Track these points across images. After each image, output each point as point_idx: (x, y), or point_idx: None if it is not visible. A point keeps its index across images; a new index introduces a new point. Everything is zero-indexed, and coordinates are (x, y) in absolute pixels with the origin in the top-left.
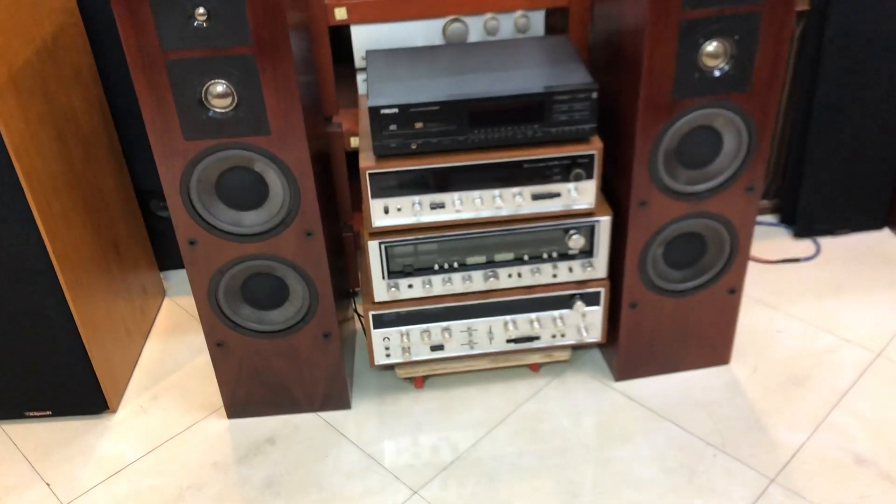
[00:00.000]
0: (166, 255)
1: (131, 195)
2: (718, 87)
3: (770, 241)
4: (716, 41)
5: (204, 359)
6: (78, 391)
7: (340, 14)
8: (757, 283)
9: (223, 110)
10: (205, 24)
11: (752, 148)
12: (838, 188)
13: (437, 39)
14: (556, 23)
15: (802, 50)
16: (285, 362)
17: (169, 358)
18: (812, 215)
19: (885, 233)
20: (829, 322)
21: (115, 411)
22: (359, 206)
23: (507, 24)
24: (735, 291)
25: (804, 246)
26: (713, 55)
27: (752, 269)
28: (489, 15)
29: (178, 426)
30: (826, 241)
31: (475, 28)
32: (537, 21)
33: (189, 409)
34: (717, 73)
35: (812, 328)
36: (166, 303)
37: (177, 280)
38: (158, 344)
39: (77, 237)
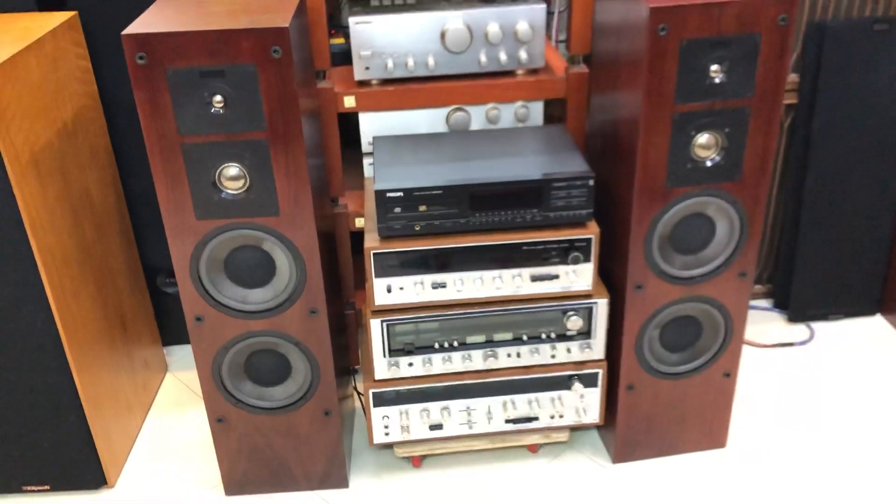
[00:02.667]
0: (170, 331)
1: (139, 272)
2: (710, 177)
3: (764, 325)
4: (707, 133)
5: (203, 435)
6: (77, 466)
7: (349, 102)
8: (752, 367)
9: (235, 192)
10: (221, 111)
11: (743, 235)
12: (831, 274)
13: (441, 127)
14: (554, 112)
15: (792, 140)
16: (285, 439)
17: (169, 433)
18: (805, 300)
19: (878, 318)
20: (821, 410)
21: (113, 486)
22: (361, 284)
23: (507, 114)
24: (730, 375)
25: (798, 331)
26: (705, 146)
27: (747, 352)
28: (491, 105)
29: (176, 503)
30: (819, 326)
31: (477, 117)
32: (536, 111)
33: (187, 485)
34: (708, 164)
35: (805, 416)
36: (168, 378)
37: (179, 355)
38: (159, 419)
39: (86, 313)
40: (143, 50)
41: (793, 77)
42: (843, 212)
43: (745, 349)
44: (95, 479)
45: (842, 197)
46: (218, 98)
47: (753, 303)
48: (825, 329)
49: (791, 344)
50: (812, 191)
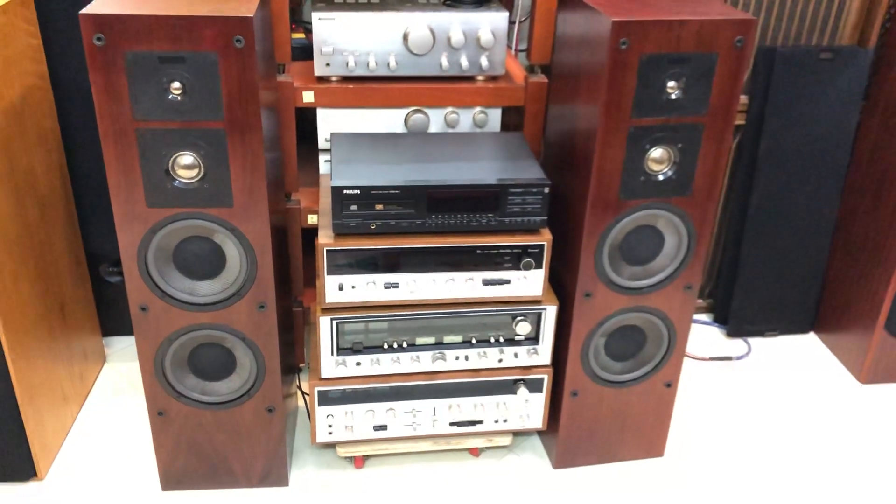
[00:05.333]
0: (110, 321)
1: (82, 259)
2: (662, 191)
3: (704, 339)
4: (661, 148)
5: (140, 428)
6: (5, 456)
7: (308, 97)
8: (691, 379)
9: (189, 181)
10: (179, 98)
11: (691, 249)
12: (769, 292)
13: (399, 128)
14: (512, 120)
15: (738, 160)
16: (226, 435)
17: (104, 426)
18: (744, 316)
19: (811, 336)
20: (755, 424)
21: (42, 479)
22: (310, 282)
23: (466, 119)
24: (671, 385)
25: (736, 345)
26: (658, 161)
27: (686, 365)
28: (450, 108)
29: (108, 498)
30: (756, 342)
31: (436, 120)
32: (494, 117)
33: (121, 479)
34: (661, 178)
35: (740, 429)
36: (106, 369)
37: (119, 347)
38: (95, 411)
39: (24, 298)
40: (101, 31)
41: (742, 98)
42: (783, 232)
43: (685, 361)
44: (24, 470)
45: (783, 218)
46: (176, 85)
47: (694, 317)
48: (762, 345)
49: (729, 358)
50: (755, 210)
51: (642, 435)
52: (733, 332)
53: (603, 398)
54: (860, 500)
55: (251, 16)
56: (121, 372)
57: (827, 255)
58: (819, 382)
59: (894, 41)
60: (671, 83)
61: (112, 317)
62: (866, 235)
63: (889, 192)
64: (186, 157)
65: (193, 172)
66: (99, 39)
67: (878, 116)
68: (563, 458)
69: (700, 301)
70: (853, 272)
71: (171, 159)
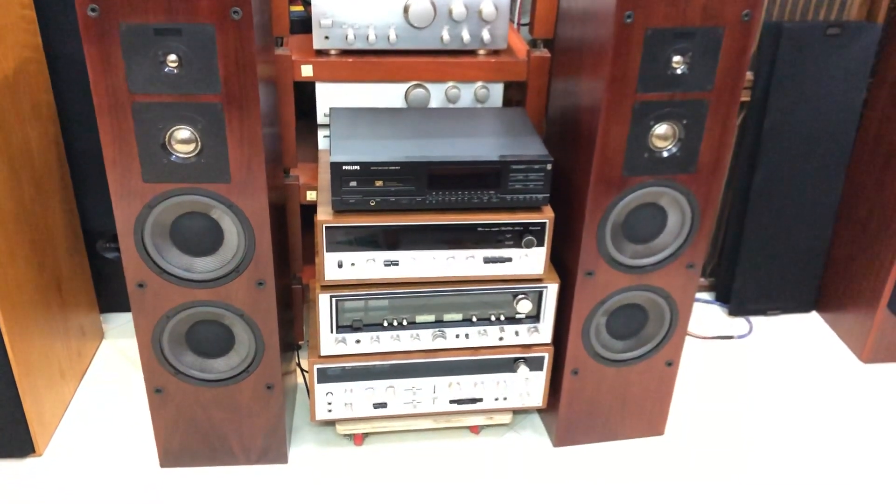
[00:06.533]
0: (107, 297)
1: (79, 234)
2: (666, 168)
3: (705, 317)
4: (666, 124)
5: (138, 405)
6: (4, 433)
7: (307, 71)
8: (692, 358)
9: (185, 156)
10: (175, 71)
11: (694, 227)
12: (772, 271)
13: (399, 103)
14: (514, 95)
15: (742, 137)
16: (225, 412)
17: (103, 402)
18: (746, 295)
19: (814, 315)
20: (756, 403)
21: (41, 455)
22: (309, 259)
23: (467, 94)
24: (672, 364)
25: (738, 324)
26: (662, 137)
27: (688, 343)
28: (451, 83)
29: (107, 474)
30: (758, 321)
31: (436, 95)
32: (496, 92)
33: (119, 455)
34: (665, 154)
35: (741, 408)
36: (104, 345)
37: (117, 323)
38: (93, 387)
39: (21, 274)
40: (96, 2)
41: (747, 75)
42: (786, 211)
43: (686, 340)
44: (22, 446)
45: (787, 196)
46: (172, 57)
47: (696, 295)
48: (764, 324)
49: (730, 337)
50: (759, 188)
51: (643, 413)
52: (735, 311)
53: (604, 377)
54: (861, 479)
55: None
56: (119, 348)
57: (830, 234)
58: (821, 362)
59: None
60: (677, 58)
61: (110, 293)
62: (870, 214)
63: (895, 171)
64: (183, 132)
65: (190, 147)
66: (93, 10)
67: (886, 93)
68: (563, 437)
69: (701, 280)
70: (856, 251)
71: (168, 133)
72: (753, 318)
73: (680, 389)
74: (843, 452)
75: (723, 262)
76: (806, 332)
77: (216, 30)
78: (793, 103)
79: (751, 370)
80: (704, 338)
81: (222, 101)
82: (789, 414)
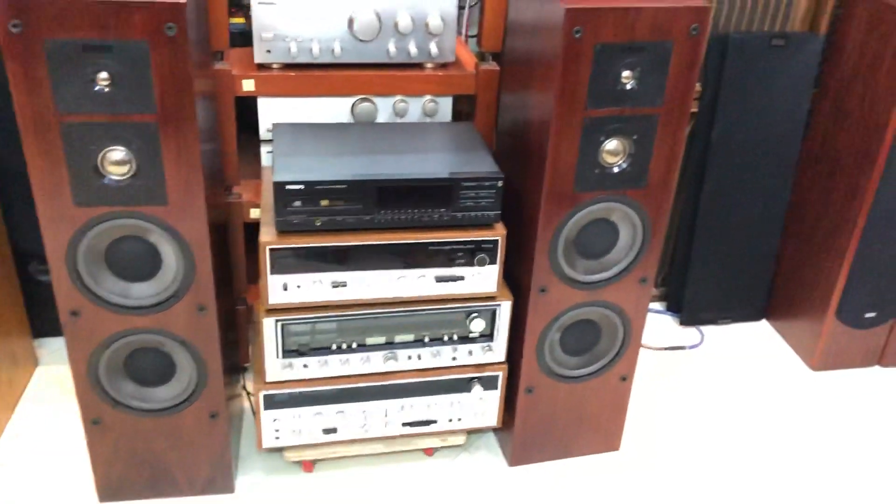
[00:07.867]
0: (42, 322)
1: (8, 256)
2: (617, 183)
3: (657, 327)
4: (616, 139)
5: (74, 436)
6: None
7: (248, 86)
8: (645, 369)
9: (120, 178)
10: (107, 89)
11: (645, 241)
12: (722, 280)
13: (345, 118)
14: (463, 109)
15: (691, 148)
16: (167, 443)
17: (37, 434)
18: (697, 305)
19: (764, 324)
20: (710, 413)
21: None
22: (254, 278)
23: (415, 108)
24: (626, 379)
25: (689, 334)
26: (613, 153)
27: (640, 355)
28: (398, 97)
29: None
30: (709, 330)
31: (384, 109)
32: (445, 106)
33: (55, 492)
34: (615, 170)
35: (694, 419)
36: (38, 373)
37: (52, 348)
38: (25, 419)
39: None
40: (19, 17)
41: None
42: (736, 220)
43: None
44: None
45: (735, 206)
46: (104, 75)
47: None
48: (715, 333)
49: (682, 347)
50: (708, 198)
51: (598, 429)
52: (686, 321)
53: (558, 394)
54: (812, 485)
55: (184, 1)
56: (55, 375)
57: (779, 243)
58: (771, 370)
59: (845, 28)
60: (626, 73)
61: (44, 317)
62: (818, 223)
63: (840, 180)
64: (117, 153)
65: (125, 168)
66: (15, 26)
67: (829, 103)
68: (518, 456)
69: (653, 290)
70: (805, 260)
71: (101, 155)
72: (705, 328)
73: (634, 402)
74: (795, 459)
75: (673, 271)
76: (756, 341)
77: (150, 47)
78: (740, 114)
79: (703, 381)
80: (656, 349)
81: (158, 120)
82: (742, 423)
